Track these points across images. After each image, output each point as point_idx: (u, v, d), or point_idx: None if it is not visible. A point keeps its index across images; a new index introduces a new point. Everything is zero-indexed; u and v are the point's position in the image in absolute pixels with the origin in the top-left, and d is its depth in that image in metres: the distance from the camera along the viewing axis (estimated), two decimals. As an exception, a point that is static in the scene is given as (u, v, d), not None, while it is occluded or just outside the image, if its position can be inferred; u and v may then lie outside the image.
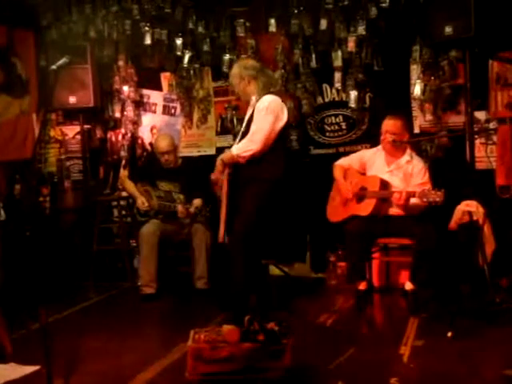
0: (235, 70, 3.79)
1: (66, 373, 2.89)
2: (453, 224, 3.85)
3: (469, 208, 3.77)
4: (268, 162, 3.59)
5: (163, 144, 4.67)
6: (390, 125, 4.05)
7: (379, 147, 4.22)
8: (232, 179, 3.64)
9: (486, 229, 3.77)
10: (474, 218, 3.74)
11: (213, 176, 3.72)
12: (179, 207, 4.52)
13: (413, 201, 3.83)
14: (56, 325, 3.77)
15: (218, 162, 3.68)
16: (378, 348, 3.19)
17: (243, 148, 3.58)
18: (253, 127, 3.57)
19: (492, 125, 4.33)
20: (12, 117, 5.37)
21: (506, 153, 4.19)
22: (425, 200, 3.69)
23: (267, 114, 3.56)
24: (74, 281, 5.00)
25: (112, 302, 4.59)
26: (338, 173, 4.25)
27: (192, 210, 4.50)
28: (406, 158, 4.09)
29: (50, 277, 4.51)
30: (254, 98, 3.70)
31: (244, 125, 3.75)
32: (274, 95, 3.67)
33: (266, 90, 3.70)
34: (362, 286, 4.07)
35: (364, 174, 4.23)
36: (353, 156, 4.35)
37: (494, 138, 4.32)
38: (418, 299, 3.82)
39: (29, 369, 2.98)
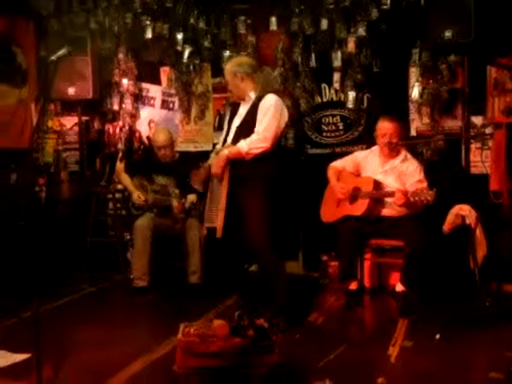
0: (228, 66, 3.74)
1: (56, 362, 2.90)
2: (446, 227, 3.88)
3: (462, 212, 3.81)
4: (264, 160, 3.54)
5: (161, 138, 4.68)
6: (382, 126, 4.09)
7: (373, 149, 4.25)
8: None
9: (479, 233, 3.80)
10: (467, 221, 3.78)
11: (214, 172, 3.59)
12: (174, 202, 4.53)
13: None
14: (47, 314, 3.77)
15: (222, 157, 3.56)
16: (366, 348, 3.21)
17: (255, 144, 3.48)
18: (262, 125, 3.50)
19: (488, 130, 4.36)
20: (10, 105, 5.37)
21: (500, 158, 4.21)
22: (416, 199, 3.71)
23: (275, 112, 3.52)
24: (67, 272, 5.01)
25: (104, 294, 4.60)
26: (331, 174, 4.28)
27: (187, 205, 4.51)
28: (400, 158, 4.12)
29: (44, 267, 4.51)
30: (252, 95, 3.65)
31: (240, 120, 3.67)
32: (275, 95, 3.64)
33: (265, 88, 3.69)
34: (353, 285, 4.11)
35: (358, 175, 4.25)
36: (347, 158, 4.37)
37: (490, 143, 4.34)
38: (408, 301, 3.84)
39: (19, 356, 3.00)
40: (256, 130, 3.52)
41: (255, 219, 3.53)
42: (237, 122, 3.70)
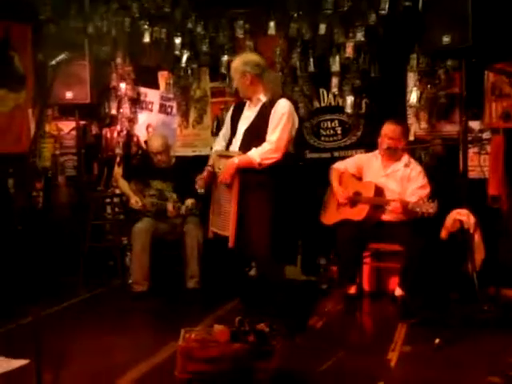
0: (237, 64, 3.55)
1: (55, 369, 2.89)
2: (444, 232, 3.88)
3: (460, 216, 3.81)
4: (272, 168, 3.45)
5: (156, 144, 4.68)
6: (387, 130, 4.10)
7: (375, 152, 4.26)
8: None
9: (477, 237, 3.80)
10: (465, 226, 3.78)
11: (223, 179, 3.49)
12: (169, 206, 4.52)
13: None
14: (45, 320, 3.74)
15: (233, 165, 3.43)
16: (365, 353, 3.22)
17: (267, 155, 3.39)
18: (275, 134, 3.40)
19: (486, 135, 4.37)
20: (7, 110, 5.36)
21: (498, 163, 4.23)
22: (417, 210, 3.71)
23: (288, 120, 3.43)
24: (64, 277, 4.98)
25: (102, 299, 4.58)
26: (334, 177, 4.28)
27: (183, 210, 4.49)
28: (403, 162, 4.12)
29: (41, 272, 4.50)
30: (262, 98, 3.53)
31: (248, 123, 3.54)
32: (288, 100, 3.53)
33: (278, 92, 3.58)
34: (352, 290, 4.11)
35: (360, 178, 4.26)
36: (349, 160, 4.39)
37: (488, 148, 4.36)
38: (407, 305, 3.85)
39: (17, 363, 2.98)
40: (268, 139, 3.42)
41: (261, 225, 3.47)
42: (244, 124, 3.58)
